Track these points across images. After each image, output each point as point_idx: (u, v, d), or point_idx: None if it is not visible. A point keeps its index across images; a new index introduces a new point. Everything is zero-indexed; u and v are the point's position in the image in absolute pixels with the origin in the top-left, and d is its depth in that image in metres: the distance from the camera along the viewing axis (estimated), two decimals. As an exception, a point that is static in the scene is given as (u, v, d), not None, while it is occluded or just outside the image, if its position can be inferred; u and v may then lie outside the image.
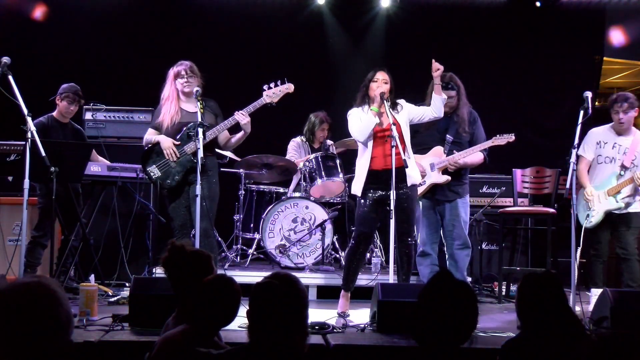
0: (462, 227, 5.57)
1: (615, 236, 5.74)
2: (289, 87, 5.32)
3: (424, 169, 5.50)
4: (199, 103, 5.11)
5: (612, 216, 5.69)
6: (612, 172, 5.72)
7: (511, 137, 5.49)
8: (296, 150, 7.08)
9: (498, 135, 5.51)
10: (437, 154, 5.57)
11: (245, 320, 3.94)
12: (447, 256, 5.70)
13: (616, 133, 5.77)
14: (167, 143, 5.33)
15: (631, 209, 5.67)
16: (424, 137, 5.56)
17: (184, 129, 5.33)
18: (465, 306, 2.47)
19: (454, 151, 5.51)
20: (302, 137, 7.18)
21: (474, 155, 5.55)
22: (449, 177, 5.47)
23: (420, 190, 5.48)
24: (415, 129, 5.46)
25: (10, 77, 4.87)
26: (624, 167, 5.67)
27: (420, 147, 5.58)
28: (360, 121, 5.14)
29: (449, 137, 5.52)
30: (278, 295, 2.41)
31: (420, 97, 5.69)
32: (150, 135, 5.44)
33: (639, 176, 5.53)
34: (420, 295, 2.51)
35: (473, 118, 5.60)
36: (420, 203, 5.58)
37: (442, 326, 2.42)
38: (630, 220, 5.67)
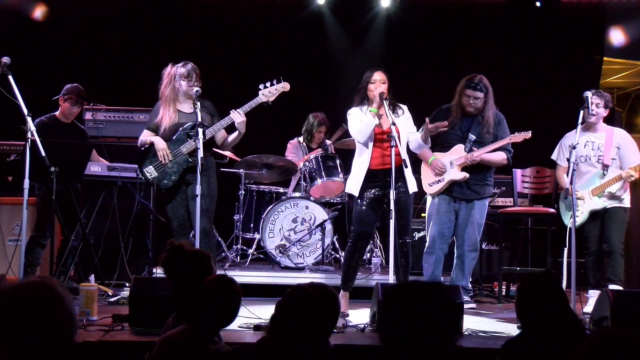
0: (474, 230, 5.55)
1: (602, 231, 5.72)
2: (285, 86, 5.30)
3: (443, 166, 5.52)
4: (198, 103, 5.10)
5: (599, 213, 5.68)
6: (592, 171, 5.68)
7: (528, 134, 5.50)
8: (294, 153, 7.08)
9: (516, 133, 5.53)
10: (457, 152, 5.57)
11: (246, 321, 3.92)
12: (455, 255, 5.69)
13: (586, 129, 5.70)
14: (160, 145, 5.33)
15: (617, 204, 5.65)
16: (446, 135, 5.56)
17: (180, 129, 5.32)
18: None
19: (475, 149, 5.52)
20: (300, 137, 7.18)
21: (495, 154, 5.53)
22: (467, 174, 5.47)
23: (439, 187, 5.52)
24: None
25: (10, 77, 4.87)
26: (605, 166, 5.65)
27: (442, 145, 5.60)
28: (360, 122, 5.15)
29: (471, 136, 5.52)
30: (311, 304, 2.41)
31: (420, 97, 5.70)
32: (145, 137, 5.44)
33: (630, 174, 5.52)
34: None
35: (498, 119, 5.60)
36: (437, 199, 5.58)
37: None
38: (618, 215, 5.65)
